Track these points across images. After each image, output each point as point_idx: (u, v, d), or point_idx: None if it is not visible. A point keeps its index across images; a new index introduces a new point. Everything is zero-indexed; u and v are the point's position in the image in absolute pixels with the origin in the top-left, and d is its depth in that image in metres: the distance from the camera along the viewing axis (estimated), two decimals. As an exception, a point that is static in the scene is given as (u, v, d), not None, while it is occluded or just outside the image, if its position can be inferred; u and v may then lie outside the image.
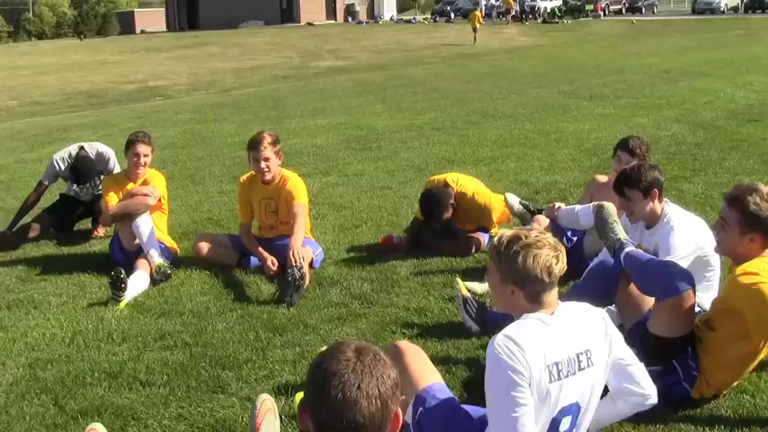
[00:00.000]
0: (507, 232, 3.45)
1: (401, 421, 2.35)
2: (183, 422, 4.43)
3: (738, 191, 4.24)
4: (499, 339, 3.26)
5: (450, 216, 7.26)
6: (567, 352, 3.33)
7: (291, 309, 6.01)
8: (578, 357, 3.38)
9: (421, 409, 3.62)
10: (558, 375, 3.28)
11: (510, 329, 3.31)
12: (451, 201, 7.20)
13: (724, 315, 4.21)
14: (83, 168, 8.31)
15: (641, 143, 6.57)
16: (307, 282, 6.35)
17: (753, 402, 4.29)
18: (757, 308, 4.00)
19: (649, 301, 4.47)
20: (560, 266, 3.35)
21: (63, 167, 8.35)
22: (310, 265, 6.71)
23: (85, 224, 8.77)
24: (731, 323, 4.16)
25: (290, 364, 5.02)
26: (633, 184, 5.17)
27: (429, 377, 3.77)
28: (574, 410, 3.42)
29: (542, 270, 3.31)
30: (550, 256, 3.32)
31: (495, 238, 3.50)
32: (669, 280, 4.26)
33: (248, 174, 7.26)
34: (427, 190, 7.36)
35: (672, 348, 4.30)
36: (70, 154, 8.38)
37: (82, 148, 8.43)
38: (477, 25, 48.89)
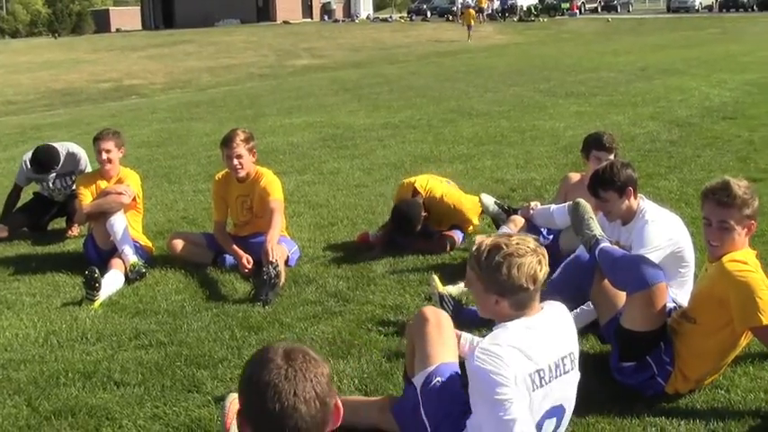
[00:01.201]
0: (486, 240, 3.42)
1: (341, 411, 2.32)
2: (158, 422, 4.39)
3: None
4: (479, 352, 3.24)
5: (423, 219, 7.25)
6: (550, 357, 3.33)
7: (267, 307, 5.99)
8: (562, 361, 3.39)
9: (427, 386, 3.64)
10: (541, 383, 3.28)
11: (491, 341, 3.28)
12: (423, 212, 7.17)
13: (707, 304, 4.22)
14: (44, 157, 8.22)
15: (612, 138, 6.63)
16: (282, 280, 6.33)
17: (727, 397, 4.31)
18: (743, 295, 4.02)
19: (623, 297, 4.48)
20: (545, 271, 3.34)
21: (31, 167, 8.30)
22: (286, 263, 6.69)
23: (59, 223, 8.70)
24: (714, 313, 4.18)
25: (266, 362, 4.98)
26: (608, 185, 5.18)
27: (442, 355, 3.76)
28: (558, 413, 3.42)
29: (527, 279, 3.29)
30: (534, 263, 3.30)
31: (474, 248, 3.44)
32: (640, 274, 4.27)
33: (223, 172, 7.22)
34: (398, 205, 7.32)
35: (644, 343, 4.32)
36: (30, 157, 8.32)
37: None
38: (472, 22, 49.23)
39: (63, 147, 8.42)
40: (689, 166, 9.98)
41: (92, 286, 6.25)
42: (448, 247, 7.21)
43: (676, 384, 4.32)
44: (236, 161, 6.89)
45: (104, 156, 7.33)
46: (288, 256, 6.82)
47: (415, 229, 7.16)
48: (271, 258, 6.28)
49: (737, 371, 4.57)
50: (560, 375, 3.37)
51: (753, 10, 66.81)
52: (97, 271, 6.32)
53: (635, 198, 5.24)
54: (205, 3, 70.55)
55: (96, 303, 6.26)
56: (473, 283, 3.49)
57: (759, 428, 4.03)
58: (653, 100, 16.51)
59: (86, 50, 50.10)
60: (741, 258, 4.15)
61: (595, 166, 5.87)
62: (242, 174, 6.96)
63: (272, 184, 6.98)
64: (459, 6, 69.52)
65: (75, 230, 8.42)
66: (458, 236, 7.34)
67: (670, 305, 5.07)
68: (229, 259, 7.02)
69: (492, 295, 3.37)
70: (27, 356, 5.37)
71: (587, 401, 4.22)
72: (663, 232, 5.05)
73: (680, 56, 27.78)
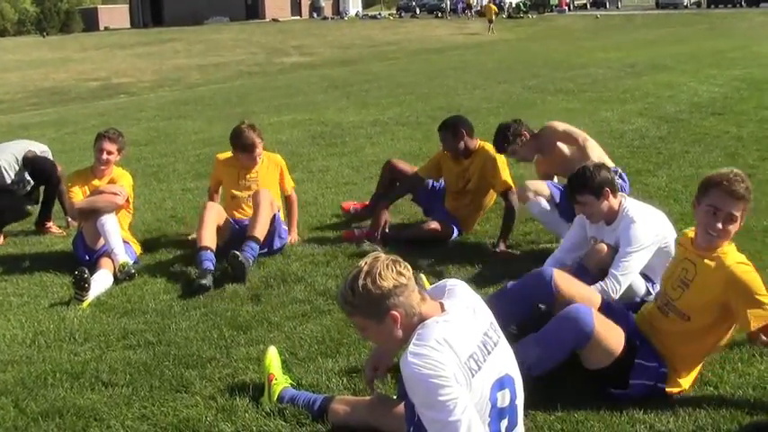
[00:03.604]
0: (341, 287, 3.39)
1: None
2: (146, 422, 4.37)
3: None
4: (412, 357, 3.13)
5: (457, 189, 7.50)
6: (475, 337, 3.29)
7: (255, 306, 5.99)
8: (487, 336, 3.35)
9: None
10: (477, 366, 3.23)
11: (418, 342, 3.18)
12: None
13: (710, 306, 4.19)
14: (44, 165, 8.32)
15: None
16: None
17: (716, 394, 4.31)
18: (754, 301, 4.04)
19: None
20: (404, 264, 3.31)
21: (12, 174, 8.23)
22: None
23: (29, 223, 8.68)
24: (714, 314, 4.19)
25: (255, 362, 4.97)
26: (583, 190, 5.19)
27: None
28: (508, 383, 3.38)
29: (394, 277, 3.26)
30: (385, 264, 3.27)
31: (338, 298, 3.40)
32: (574, 333, 4.20)
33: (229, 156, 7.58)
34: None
35: (620, 367, 4.28)
36: (16, 159, 8.26)
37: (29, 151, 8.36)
38: (493, 17, 49.58)
39: (32, 146, 8.46)
40: (677, 162, 9.99)
41: (81, 287, 6.22)
42: (451, 232, 7.38)
43: (675, 384, 4.31)
44: (258, 159, 7.46)
45: (105, 156, 7.34)
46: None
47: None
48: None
49: (726, 367, 4.58)
50: (492, 350, 3.33)
51: (741, 6, 67.09)
52: (87, 271, 6.29)
53: (614, 197, 5.23)
54: (194, 1, 70.44)
55: (85, 303, 6.24)
56: (366, 328, 3.38)
57: (748, 424, 4.03)
58: (642, 96, 16.52)
59: (75, 49, 50.02)
60: (742, 260, 4.16)
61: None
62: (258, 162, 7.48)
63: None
64: (448, 3, 69.65)
65: (55, 229, 8.42)
66: (454, 232, 7.41)
67: (638, 299, 5.10)
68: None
69: (385, 318, 3.27)
70: (14, 357, 5.34)
71: (576, 399, 4.23)
72: (648, 229, 5.07)
73: (669, 52, 27.83)
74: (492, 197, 7.65)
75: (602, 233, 5.32)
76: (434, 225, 7.41)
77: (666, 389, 4.30)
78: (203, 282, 6.41)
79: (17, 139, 8.93)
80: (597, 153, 6.71)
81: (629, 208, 5.21)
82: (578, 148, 6.90)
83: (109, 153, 7.34)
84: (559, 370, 4.33)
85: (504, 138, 7.17)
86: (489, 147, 7.43)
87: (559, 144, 7.13)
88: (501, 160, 7.39)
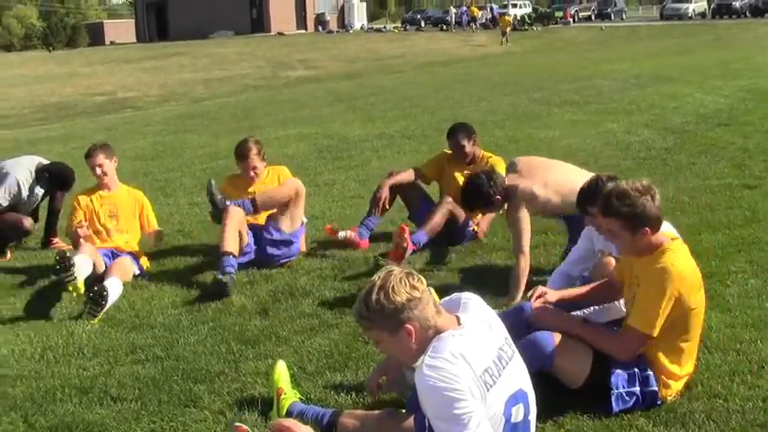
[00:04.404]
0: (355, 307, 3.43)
1: None
2: (155, 437, 4.39)
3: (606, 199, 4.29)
4: (428, 370, 3.18)
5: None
6: (491, 352, 3.31)
7: (264, 321, 5.99)
8: (502, 350, 3.37)
9: None
10: (492, 380, 3.25)
11: (434, 355, 3.23)
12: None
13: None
14: (63, 168, 8.42)
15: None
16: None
17: (725, 406, 4.29)
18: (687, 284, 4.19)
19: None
20: (417, 277, 3.34)
21: (26, 189, 8.25)
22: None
23: (36, 239, 8.70)
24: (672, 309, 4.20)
25: (263, 376, 4.97)
26: (595, 201, 5.18)
27: None
28: (521, 398, 3.40)
29: (408, 290, 3.28)
30: (400, 278, 3.30)
31: (354, 313, 3.45)
32: (536, 354, 4.16)
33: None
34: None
35: (600, 383, 4.26)
36: (30, 173, 8.26)
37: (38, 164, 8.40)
38: (508, 29, 49.95)
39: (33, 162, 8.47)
40: (684, 174, 9.98)
41: (98, 303, 6.26)
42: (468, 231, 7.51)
43: (666, 386, 4.32)
44: (252, 173, 7.60)
45: (98, 171, 7.48)
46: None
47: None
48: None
49: (735, 379, 4.56)
50: (506, 365, 3.35)
51: (746, 16, 66.98)
52: (107, 288, 6.34)
53: None
54: (199, 15, 70.58)
55: (79, 283, 6.34)
56: (382, 341, 3.44)
57: (758, 437, 4.03)
58: (647, 107, 16.53)
59: (81, 63, 50.16)
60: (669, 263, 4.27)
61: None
62: (257, 180, 7.66)
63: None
64: (453, 16, 69.77)
65: (62, 244, 8.46)
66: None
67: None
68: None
69: (400, 332, 3.32)
70: (23, 372, 5.35)
71: (585, 414, 4.22)
72: None
73: (674, 63, 27.84)
74: None
75: (611, 246, 5.31)
76: (445, 207, 7.38)
77: (660, 393, 4.29)
78: (221, 278, 6.54)
79: (23, 155, 8.94)
80: (566, 181, 6.28)
81: None
82: (545, 187, 6.34)
83: (100, 166, 7.49)
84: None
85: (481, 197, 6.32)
86: (494, 159, 7.47)
87: (527, 204, 6.31)
88: (501, 167, 7.35)
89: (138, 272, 7.27)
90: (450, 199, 7.40)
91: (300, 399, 4.49)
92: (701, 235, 7.33)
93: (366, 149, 13.64)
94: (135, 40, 76.78)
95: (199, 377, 5.09)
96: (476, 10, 68.05)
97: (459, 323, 3.37)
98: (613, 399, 4.22)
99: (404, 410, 3.90)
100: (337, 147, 14.16)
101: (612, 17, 74.20)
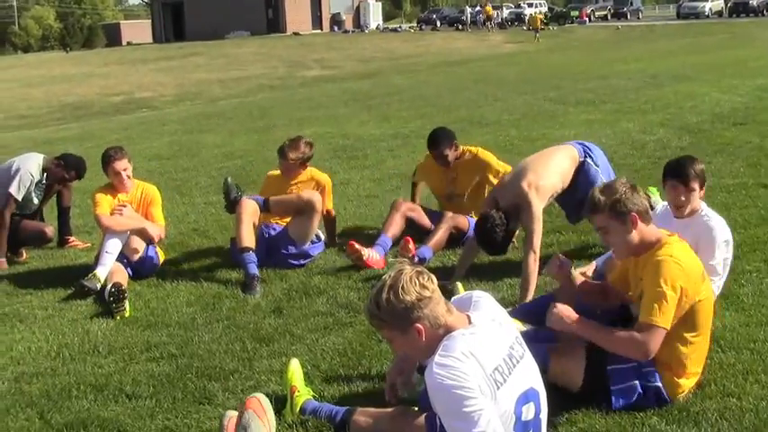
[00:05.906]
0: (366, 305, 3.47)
1: None
2: (170, 434, 4.41)
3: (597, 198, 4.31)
4: (437, 368, 3.20)
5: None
6: (501, 350, 3.32)
7: (278, 319, 6.01)
8: (512, 349, 3.38)
9: None
10: (503, 379, 3.26)
11: (444, 353, 3.25)
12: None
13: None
14: (83, 162, 8.45)
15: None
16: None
17: (739, 405, 4.28)
18: (688, 274, 4.19)
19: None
20: (428, 276, 3.36)
21: (35, 183, 8.24)
22: None
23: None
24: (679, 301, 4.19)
25: (277, 374, 4.99)
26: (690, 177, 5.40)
27: None
28: (532, 396, 3.40)
29: (417, 290, 3.29)
30: (410, 276, 3.31)
31: (365, 312, 3.49)
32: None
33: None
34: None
35: (599, 383, 4.26)
36: (39, 164, 8.25)
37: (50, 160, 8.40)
38: (540, 27, 50.37)
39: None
40: (699, 173, 9.92)
41: (119, 298, 6.32)
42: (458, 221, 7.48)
43: (674, 383, 4.31)
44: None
45: (124, 174, 7.45)
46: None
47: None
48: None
49: (749, 378, 4.55)
50: (517, 363, 3.36)
51: (763, 15, 66.60)
52: (122, 284, 6.43)
53: (701, 195, 5.47)
54: (215, 15, 70.71)
55: (127, 312, 6.35)
56: (393, 339, 3.48)
57: (771, 436, 4.02)
58: (663, 107, 16.46)
59: (97, 64, 50.36)
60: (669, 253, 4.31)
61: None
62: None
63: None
64: (469, 15, 69.71)
65: (78, 242, 8.51)
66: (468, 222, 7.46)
67: None
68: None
69: (410, 330, 3.34)
70: (39, 369, 5.40)
71: (597, 413, 4.22)
72: (724, 230, 5.40)
73: (690, 62, 27.71)
74: None
75: (672, 225, 5.30)
76: (447, 224, 7.44)
77: (669, 390, 4.28)
78: (252, 292, 6.64)
79: (27, 152, 8.93)
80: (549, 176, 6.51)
81: (704, 210, 5.50)
82: (545, 175, 6.46)
83: (125, 169, 7.46)
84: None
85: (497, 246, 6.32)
86: (478, 152, 7.84)
87: (541, 197, 6.36)
88: (485, 155, 7.79)
89: (155, 260, 7.40)
90: (450, 214, 7.51)
91: (314, 396, 4.50)
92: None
93: (381, 149, 13.66)
94: (151, 41, 76.99)
95: (213, 375, 5.11)
96: (490, 9, 67.94)
97: (469, 322, 3.38)
98: (612, 395, 4.23)
99: (416, 408, 3.92)
100: (353, 146, 14.19)
101: (629, 16, 73.94)
